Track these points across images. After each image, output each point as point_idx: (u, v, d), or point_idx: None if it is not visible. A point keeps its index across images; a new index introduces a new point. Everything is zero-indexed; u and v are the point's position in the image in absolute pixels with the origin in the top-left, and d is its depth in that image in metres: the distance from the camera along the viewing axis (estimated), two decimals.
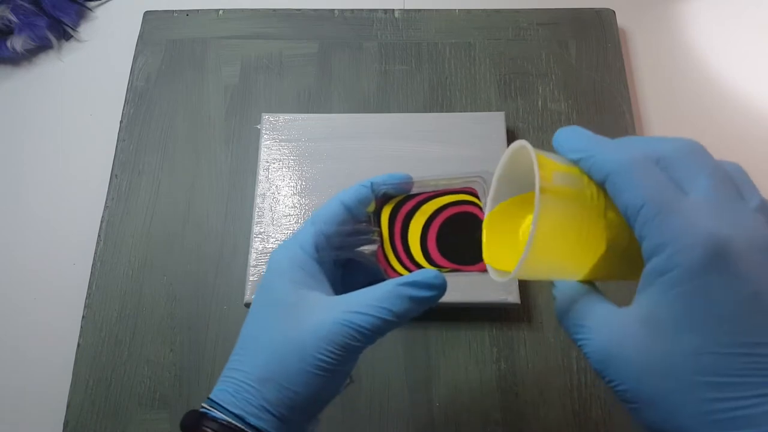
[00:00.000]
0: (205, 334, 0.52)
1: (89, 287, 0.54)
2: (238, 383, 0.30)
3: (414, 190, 0.35)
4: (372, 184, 0.34)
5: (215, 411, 0.30)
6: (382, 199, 0.34)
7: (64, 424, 0.50)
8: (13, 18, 0.64)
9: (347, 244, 0.34)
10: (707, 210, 0.24)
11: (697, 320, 0.23)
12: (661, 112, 0.63)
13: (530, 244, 0.24)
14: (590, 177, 0.26)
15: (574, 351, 0.51)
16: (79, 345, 0.52)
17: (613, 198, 0.25)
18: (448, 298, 0.50)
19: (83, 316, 0.53)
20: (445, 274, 0.31)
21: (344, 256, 0.35)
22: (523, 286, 0.53)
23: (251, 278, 0.51)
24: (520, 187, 0.32)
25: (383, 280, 0.32)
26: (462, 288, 0.50)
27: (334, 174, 0.56)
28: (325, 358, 0.29)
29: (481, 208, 0.34)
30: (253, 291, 0.51)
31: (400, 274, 0.32)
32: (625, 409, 0.26)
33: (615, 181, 0.25)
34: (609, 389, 0.25)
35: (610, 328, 0.25)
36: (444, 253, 0.34)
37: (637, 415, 0.24)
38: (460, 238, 0.34)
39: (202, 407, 0.31)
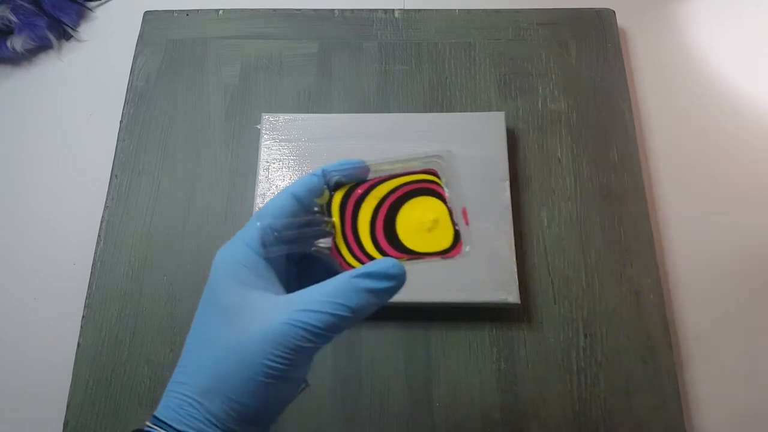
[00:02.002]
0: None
1: (89, 287, 0.54)
2: (182, 397, 0.28)
3: (369, 176, 0.32)
4: (323, 171, 0.31)
5: (157, 429, 0.28)
6: (335, 188, 0.32)
7: (64, 424, 0.50)
8: (13, 18, 0.64)
9: (300, 237, 0.31)
10: None
11: None
12: (661, 112, 0.63)
13: None
14: None
15: (574, 351, 0.51)
16: (79, 345, 0.52)
17: None
18: (448, 298, 0.51)
19: (83, 316, 0.53)
20: (404, 263, 0.29)
21: (298, 251, 0.32)
22: (523, 286, 0.53)
23: None
24: None
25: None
26: (462, 288, 0.50)
27: None
28: (274, 363, 0.27)
29: (441, 188, 0.32)
30: None
31: (353, 267, 0.30)
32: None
33: None
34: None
35: None
36: (411, 238, 0.32)
37: None
38: (424, 221, 0.32)
39: (146, 426, 0.28)
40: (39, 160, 0.62)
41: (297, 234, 0.31)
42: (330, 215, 0.32)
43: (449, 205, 0.32)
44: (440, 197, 0.32)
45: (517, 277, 0.51)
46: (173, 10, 0.67)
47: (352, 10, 0.66)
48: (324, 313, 0.27)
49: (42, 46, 0.67)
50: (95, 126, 0.63)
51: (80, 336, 0.52)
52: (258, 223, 0.30)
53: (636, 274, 0.54)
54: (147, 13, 0.67)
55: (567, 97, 0.61)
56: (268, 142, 0.57)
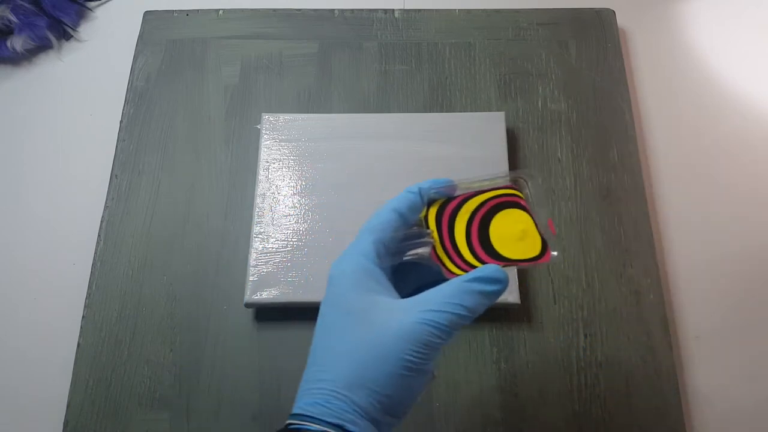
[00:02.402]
0: (205, 334, 0.52)
1: (89, 287, 0.54)
2: (327, 393, 0.30)
3: (457, 193, 0.36)
4: (420, 189, 0.35)
5: (309, 424, 0.29)
6: (429, 204, 0.36)
7: (64, 424, 0.50)
8: (13, 18, 0.64)
9: (402, 249, 0.36)
10: None
11: None
12: (661, 112, 0.63)
13: None
14: None
15: (574, 351, 0.51)
16: (79, 345, 0.52)
17: None
18: None
19: (83, 316, 0.53)
20: (504, 266, 0.33)
21: (397, 261, 0.36)
22: (523, 286, 0.53)
23: (251, 278, 0.51)
24: None
25: (436, 280, 0.33)
26: None
27: (334, 174, 0.56)
28: (411, 357, 0.30)
29: (526, 201, 0.36)
30: (253, 291, 0.51)
31: (455, 274, 0.34)
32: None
33: None
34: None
35: None
36: (503, 247, 0.35)
37: None
38: (510, 231, 0.36)
39: (291, 424, 0.30)
40: (39, 160, 0.62)
41: (402, 245, 0.35)
42: (428, 227, 0.35)
43: (534, 217, 0.35)
44: (525, 209, 0.36)
45: (517, 277, 0.51)
46: (173, 10, 0.67)
47: (352, 10, 0.66)
48: (447, 313, 0.30)
49: (42, 46, 0.67)
50: (95, 126, 0.63)
51: (80, 336, 0.52)
52: (371, 237, 0.34)
53: (636, 274, 0.54)
54: (147, 13, 0.67)
55: (567, 97, 0.61)
56: (268, 142, 0.57)
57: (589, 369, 0.51)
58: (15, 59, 0.67)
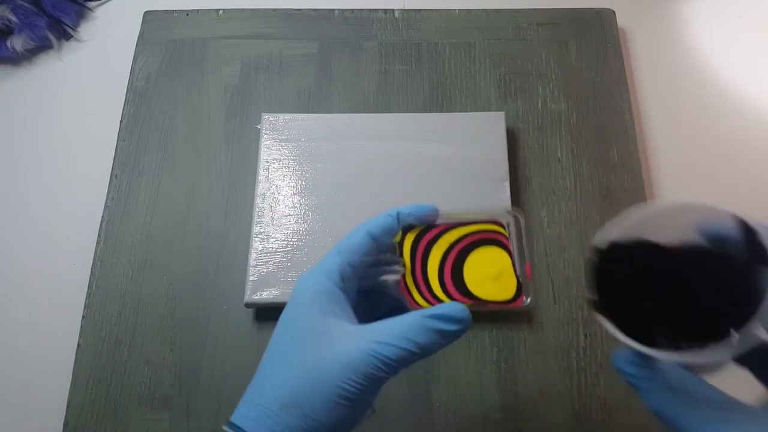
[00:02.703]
0: (205, 334, 0.52)
1: (89, 287, 0.54)
2: (261, 408, 0.30)
3: (438, 221, 0.35)
4: (398, 214, 0.34)
5: None
6: (406, 230, 0.35)
7: (64, 424, 0.50)
8: (13, 18, 0.64)
9: (371, 273, 0.35)
10: None
11: None
12: (661, 112, 0.63)
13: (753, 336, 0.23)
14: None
15: (574, 351, 0.51)
16: (79, 345, 0.52)
17: None
18: None
19: (83, 316, 0.53)
20: (469, 307, 0.31)
21: (367, 285, 0.35)
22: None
23: (251, 278, 0.51)
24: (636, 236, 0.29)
25: (405, 309, 0.32)
26: None
27: (334, 174, 0.56)
28: (350, 387, 0.29)
29: (507, 240, 0.34)
30: (254, 291, 0.51)
31: (420, 305, 0.33)
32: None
33: None
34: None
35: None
36: (477, 285, 0.34)
37: None
38: (487, 271, 0.34)
39: (224, 431, 0.30)
40: (39, 160, 0.62)
41: (370, 270, 0.34)
42: (401, 254, 0.34)
43: (513, 257, 0.34)
44: (505, 248, 0.34)
45: None
46: (173, 10, 0.67)
47: (352, 10, 0.66)
48: (397, 347, 0.29)
49: (42, 46, 0.67)
50: (95, 126, 0.63)
51: (80, 336, 0.52)
52: (338, 258, 0.33)
53: None
54: (147, 13, 0.67)
55: (567, 97, 0.61)
56: (268, 142, 0.57)
57: (589, 369, 0.51)
58: (15, 59, 0.67)
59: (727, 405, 0.26)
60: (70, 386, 0.51)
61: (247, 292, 0.51)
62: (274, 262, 0.52)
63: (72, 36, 0.68)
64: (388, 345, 0.29)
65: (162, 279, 0.54)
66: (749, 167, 0.60)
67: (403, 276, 0.34)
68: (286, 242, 0.53)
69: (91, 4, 0.70)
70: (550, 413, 0.49)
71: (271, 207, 0.54)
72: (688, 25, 0.68)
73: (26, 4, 0.65)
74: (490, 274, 0.34)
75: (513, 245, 0.34)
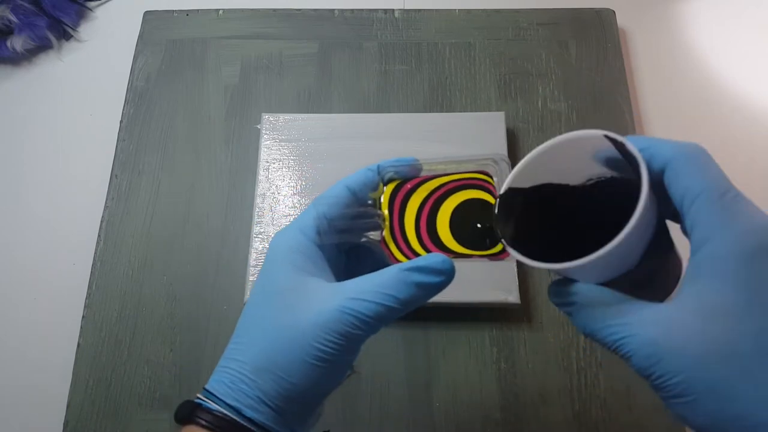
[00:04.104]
0: (205, 334, 0.52)
1: (89, 287, 0.54)
2: (234, 373, 0.29)
3: (423, 175, 0.32)
4: (378, 167, 0.32)
5: (210, 402, 0.29)
6: (387, 183, 0.32)
7: (64, 424, 0.50)
8: (13, 18, 0.64)
9: (352, 228, 0.32)
10: (750, 204, 0.25)
11: (762, 301, 0.23)
12: (661, 112, 0.63)
13: (621, 239, 0.24)
14: (650, 165, 0.26)
15: (574, 351, 0.51)
16: (79, 345, 0.52)
17: (670, 185, 0.25)
18: (448, 297, 0.50)
19: (83, 316, 0.53)
20: (453, 259, 0.29)
21: (349, 240, 0.33)
22: (523, 286, 0.53)
23: (251, 278, 0.51)
24: (539, 177, 0.29)
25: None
26: (462, 288, 0.50)
27: (334, 174, 0.55)
28: (325, 347, 0.27)
29: (493, 187, 0.32)
30: None
31: (399, 261, 0.30)
32: (671, 411, 0.25)
33: (675, 166, 0.25)
34: (654, 387, 0.25)
35: (658, 321, 0.25)
36: (456, 236, 0.31)
37: (690, 409, 0.24)
38: (471, 220, 0.31)
39: (197, 398, 0.29)
40: (39, 160, 0.62)
41: (349, 225, 0.32)
42: (380, 208, 0.32)
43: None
44: (491, 194, 0.31)
45: (517, 277, 0.51)
46: (173, 10, 0.67)
47: (352, 10, 0.66)
48: (375, 303, 0.28)
49: (42, 46, 0.67)
50: (95, 126, 0.63)
51: (80, 336, 0.52)
52: (314, 211, 0.31)
53: None
54: (147, 13, 0.67)
55: (567, 97, 0.61)
56: (268, 142, 0.57)
57: (589, 369, 0.51)
58: (15, 59, 0.67)
59: (630, 304, 0.26)
60: (70, 386, 0.51)
61: (247, 292, 0.51)
62: None
63: (72, 36, 0.68)
64: (366, 301, 0.28)
65: (162, 279, 0.54)
66: (749, 167, 0.60)
67: (383, 231, 0.32)
68: None
69: (91, 4, 0.70)
70: (550, 413, 0.49)
71: (271, 207, 0.54)
72: (688, 25, 0.68)
73: (26, 4, 0.65)
74: (472, 223, 0.31)
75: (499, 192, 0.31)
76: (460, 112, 0.61)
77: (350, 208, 0.32)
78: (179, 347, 0.52)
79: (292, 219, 0.53)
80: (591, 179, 0.29)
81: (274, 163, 0.56)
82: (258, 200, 0.54)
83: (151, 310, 0.53)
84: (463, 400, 0.50)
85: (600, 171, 0.29)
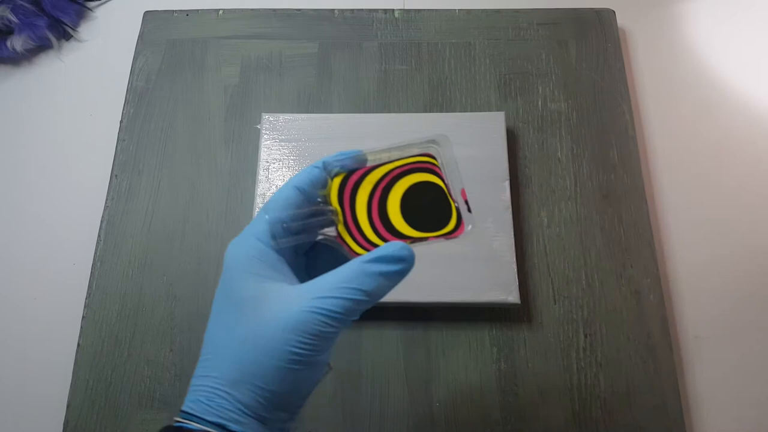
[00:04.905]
0: (205, 334, 0.52)
1: (89, 287, 0.54)
2: (210, 390, 0.28)
3: (368, 164, 0.32)
4: (324, 163, 0.32)
5: (191, 423, 0.28)
6: (335, 178, 0.32)
7: (64, 424, 0.50)
8: (13, 18, 0.64)
9: (306, 227, 0.32)
10: None
11: None
12: (661, 112, 0.63)
13: None
14: None
15: (574, 351, 0.51)
16: (79, 345, 0.52)
17: None
18: (448, 297, 0.51)
19: (83, 316, 0.53)
20: (411, 245, 0.29)
21: (305, 241, 0.33)
22: (523, 286, 0.53)
23: None
24: None
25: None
26: (462, 288, 0.50)
27: None
28: (298, 350, 0.27)
29: (438, 168, 0.32)
30: None
31: (358, 254, 0.30)
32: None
33: None
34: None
35: None
36: (409, 221, 0.32)
37: None
38: (421, 202, 0.32)
39: (176, 421, 0.29)
40: (39, 160, 0.62)
41: (303, 224, 0.32)
42: (330, 204, 0.32)
43: (446, 182, 0.31)
44: (437, 175, 0.32)
45: (517, 277, 0.51)
46: (173, 10, 0.67)
47: (352, 10, 0.66)
48: (341, 299, 0.28)
49: (42, 46, 0.67)
50: (95, 126, 0.63)
51: (80, 336, 0.52)
52: (266, 216, 0.31)
53: (636, 274, 0.54)
54: (147, 13, 0.67)
55: (567, 97, 0.61)
56: (268, 142, 0.57)
57: (589, 369, 0.51)
58: (15, 59, 0.67)
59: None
60: (70, 386, 0.51)
61: None
62: None
63: (72, 36, 0.68)
64: (333, 298, 0.28)
65: (162, 279, 0.54)
66: (749, 167, 0.60)
67: (338, 226, 0.32)
68: None
69: (91, 4, 0.70)
70: (550, 413, 0.49)
71: None
72: (688, 25, 0.68)
73: (26, 4, 0.65)
74: (423, 207, 0.31)
75: (445, 173, 0.31)
76: (460, 112, 0.61)
77: (302, 208, 0.32)
78: (179, 347, 0.52)
79: None
80: None
81: (274, 163, 0.56)
82: (258, 200, 0.54)
83: (151, 310, 0.53)
84: (463, 400, 0.50)
85: None
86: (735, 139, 0.61)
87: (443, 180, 0.31)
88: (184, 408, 0.29)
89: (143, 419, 0.50)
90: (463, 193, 0.31)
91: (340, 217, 0.32)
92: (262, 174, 0.56)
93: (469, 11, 0.66)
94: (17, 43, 0.65)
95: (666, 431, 0.49)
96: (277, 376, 0.28)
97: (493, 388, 0.50)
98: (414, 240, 0.31)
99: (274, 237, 0.31)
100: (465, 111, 0.61)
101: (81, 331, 0.53)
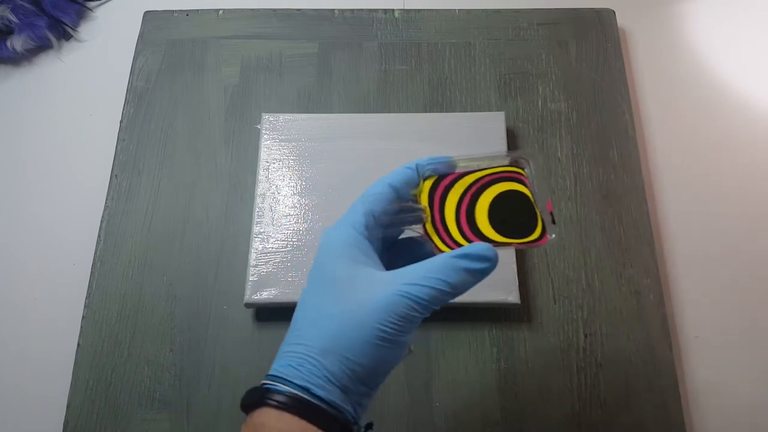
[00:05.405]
0: (205, 334, 0.52)
1: (89, 287, 0.54)
2: (301, 357, 0.31)
3: (458, 171, 0.35)
4: (417, 165, 0.35)
5: (279, 384, 0.30)
6: (426, 180, 0.35)
7: (64, 424, 0.50)
8: (13, 18, 0.64)
9: (395, 222, 0.35)
10: None
11: None
12: (661, 112, 0.63)
13: None
14: None
15: (574, 351, 0.51)
16: (79, 345, 0.52)
17: None
18: None
19: (83, 316, 0.53)
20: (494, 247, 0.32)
21: (392, 234, 0.36)
22: (523, 286, 0.53)
23: (251, 278, 0.51)
24: None
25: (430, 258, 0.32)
26: None
27: (334, 174, 0.56)
28: (386, 328, 0.30)
29: (526, 178, 0.34)
30: (253, 291, 0.51)
31: (442, 251, 0.33)
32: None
33: None
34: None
35: None
36: (494, 226, 0.34)
37: None
38: (508, 210, 0.34)
39: (264, 383, 0.31)
40: (39, 160, 0.62)
41: (393, 219, 0.35)
42: (421, 203, 0.35)
43: (534, 193, 0.33)
44: (525, 185, 0.34)
45: (517, 277, 0.51)
46: (173, 10, 0.67)
47: (352, 10, 0.66)
48: (428, 287, 0.30)
49: (42, 46, 0.67)
50: (95, 126, 0.63)
51: (80, 336, 0.52)
52: (362, 207, 0.34)
53: (636, 274, 0.54)
54: (147, 13, 0.67)
55: (567, 97, 0.61)
56: (268, 142, 0.57)
57: (589, 369, 0.51)
58: (15, 59, 0.67)
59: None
60: (70, 386, 0.51)
61: (247, 292, 0.51)
62: (274, 262, 0.52)
63: (72, 36, 0.68)
64: (420, 285, 0.30)
65: (162, 279, 0.54)
66: (749, 167, 0.60)
67: (425, 224, 0.34)
68: (286, 242, 0.53)
69: (91, 4, 0.70)
70: (550, 413, 0.49)
71: (271, 207, 0.54)
72: (688, 25, 0.68)
73: (26, 4, 0.65)
74: (509, 214, 0.33)
75: (532, 185, 0.34)
76: (460, 112, 0.61)
77: (393, 204, 0.35)
78: (179, 347, 0.52)
79: (292, 219, 0.54)
80: None
81: (274, 163, 0.56)
82: (258, 200, 0.54)
83: (151, 310, 0.53)
84: (463, 400, 0.50)
85: None
86: (735, 139, 0.61)
87: (531, 190, 0.34)
88: (272, 371, 0.31)
89: (143, 419, 0.50)
90: (549, 204, 0.33)
91: (429, 216, 0.34)
92: (262, 174, 0.56)
93: (469, 11, 0.66)
94: (17, 43, 0.65)
95: (666, 431, 0.49)
96: (365, 351, 0.30)
97: (493, 388, 0.50)
98: (498, 244, 0.33)
99: (367, 227, 0.34)
100: (465, 111, 0.61)
101: (81, 331, 0.53)
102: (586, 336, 0.52)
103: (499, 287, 0.50)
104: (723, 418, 0.50)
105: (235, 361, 0.51)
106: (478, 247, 0.31)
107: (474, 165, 0.34)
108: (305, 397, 0.29)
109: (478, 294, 0.50)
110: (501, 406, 0.50)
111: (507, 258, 0.51)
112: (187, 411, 0.50)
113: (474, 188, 0.34)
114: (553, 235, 0.33)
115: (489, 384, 0.50)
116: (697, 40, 0.67)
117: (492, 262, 0.31)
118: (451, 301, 0.51)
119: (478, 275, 0.31)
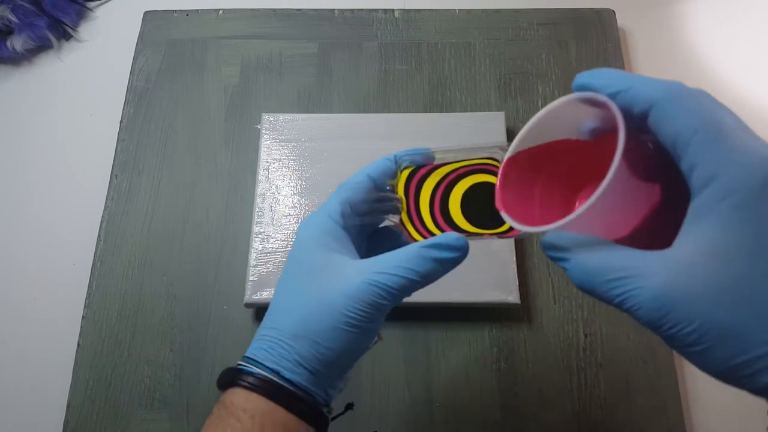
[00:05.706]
0: (205, 334, 0.52)
1: (89, 287, 0.54)
2: (273, 340, 0.32)
3: (436, 162, 0.35)
4: (395, 157, 0.35)
5: (251, 366, 0.31)
6: (404, 171, 0.35)
7: (64, 424, 0.50)
8: (13, 18, 0.64)
9: (372, 211, 0.36)
10: (752, 135, 0.25)
11: None
12: None
13: (598, 197, 0.24)
14: (630, 109, 0.25)
15: (574, 351, 0.51)
16: (79, 345, 0.52)
17: (658, 127, 0.25)
18: (448, 297, 0.51)
19: (83, 316, 0.53)
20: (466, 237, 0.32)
21: (369, 223, 0.37)
22: (523, 286, 0.53)
23: (251, 278, 0.51)
24: (540, 140, 0.31)
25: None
26: (462, 288, 0.50)
27: (334, 174, 0.55)
28: (355, 315, 0.30)
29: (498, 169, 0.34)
30: (253, 291, 0.51)
31: (416, 240, 0.33)
32: (689, 358, 0.24)
33: (663, 109, 0.25)
34: (666, 339, 0.24)
35: (665, 268, 0.23)
36: (467, 217, 0.34)
37: (703, 358, 0.24)
38: (481, 201, 0.34)
39: (239, 364, 0.32)
40: (39, 160, 0.62)
41: (370, 208, 0.35)
42: (398, 193, 0.35)
43: None
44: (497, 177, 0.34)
45: (517, 277, 0.51)
46: (173, 10, 0.67)
47: (352, 10, 0.67)
48: (397, 276, 0.31)
49: (42, 46, 0.67)
50: (95, 126, 0.63)
51: (80, 336, 0.52)
52: (339, 197, 0.35)
53: None
54: (147, 13, 0.67)
55: None
56: (268, 142, 0.57)
57: (589, 369, 0.51)
58: (15, 59, 0.67)
59: (631, 253, 0.25)
60: (70, 386, 0.51)
61: (247, 292, 0.51)
62: (274, 262, 0.52)
63: (72, 36, 0.68)
64: (389, 274, 0.31)
65: (162, 279, 0.54)
66: None
67: (401, 213, 0.35)
68: (286, 242, 0.53)
69: (91, 4, 0.70)
70: (550, 413, 0.49)
71: (271, 207, 0.54)
72: (688, 25, 0.68)
73: (26, 4, 0.65)
74: (482, 205, 0.33)
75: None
76: (460, 112, 0.61)
77: (370, 194, 0.35)
78: (179, 347, 0.52)
79: (292, 219, 0.54)
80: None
81: (274, 163, 0.56)
82: (258, 200, 0.54)
83: (151, 310, 0.53)
84: (463, 400, 0.50)
85: (588, 131, 0.30)
86: None
87: None
88: (247, 354, 0.32)
89: (143, 419, 0.50)
90: None
91: (404, 206, 0.35)
92: (262, 174, 0.56)
93: (469, 11, 0.66)
94: (17, 43, 0.65)
95: (666, 431, 0.49)
96: (334, 336, 0.31)
97: (493, 388, 0.50)
98: (470, 234, 0.33)
99: (343, 216, 0.34)
100: (465, 111, 0.61)
101: (81, 331, 0.53)
102: (586, 336, 0.52)
103: (499, 287, 0.50)
104: (723, 418, 0.50)
105: (235, 361, 0.51)
106: (448, 237, 0.31)
107: (451, 157, 0.35)
108: (274, 379, 0.31)
109: (478, 294, 0.51)
110: (501, 406, 0.50)
111: (507, 258, 0.51)
112: (187, 411, 0.50)
113: (448, 179, 0.35)
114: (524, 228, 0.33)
115: (489, 384, 0.50)
116: (697, 40, 0.67)
117: (461, 252, 0.31)
118: (451, 301, 0.52)
119: (447, 265, 0.32)
